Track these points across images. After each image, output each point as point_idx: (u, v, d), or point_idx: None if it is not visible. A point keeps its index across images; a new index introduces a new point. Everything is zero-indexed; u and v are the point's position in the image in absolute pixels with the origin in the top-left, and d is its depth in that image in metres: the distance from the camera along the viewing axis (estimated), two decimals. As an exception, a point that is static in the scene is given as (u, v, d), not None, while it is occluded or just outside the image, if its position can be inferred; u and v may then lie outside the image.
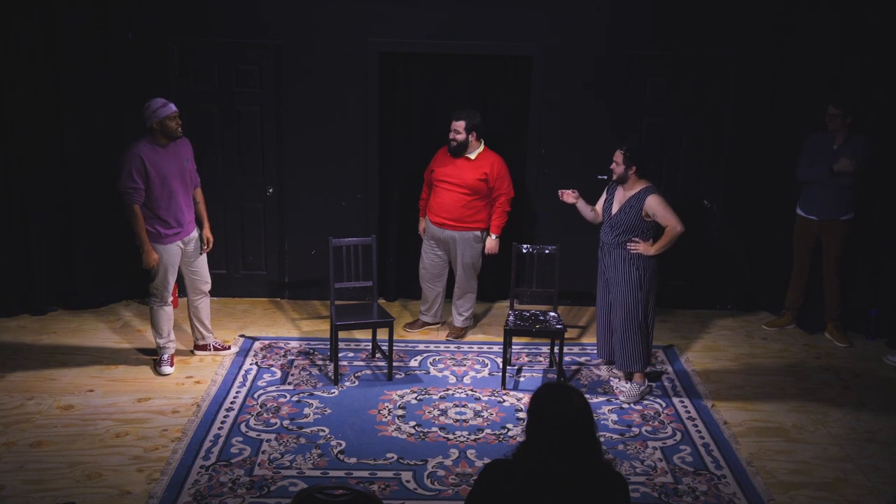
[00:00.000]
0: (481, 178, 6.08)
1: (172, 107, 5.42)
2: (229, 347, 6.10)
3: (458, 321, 6.45)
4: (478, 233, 6.22)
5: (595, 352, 6.23)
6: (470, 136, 6.04)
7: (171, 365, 5.74)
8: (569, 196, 5.69)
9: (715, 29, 6.62)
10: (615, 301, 5.52)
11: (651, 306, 5.53)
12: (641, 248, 5.40)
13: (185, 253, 5.69)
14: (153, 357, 5.90)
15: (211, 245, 5.90)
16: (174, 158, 5.51)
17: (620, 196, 5.49)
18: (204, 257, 5.85)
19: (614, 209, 5.49)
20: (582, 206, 5.73)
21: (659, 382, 5.78)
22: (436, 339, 6.42)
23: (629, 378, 5.61)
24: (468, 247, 6.22)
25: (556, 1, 6.57)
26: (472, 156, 6.11)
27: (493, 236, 6.23)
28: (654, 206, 5.35)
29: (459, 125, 6.02)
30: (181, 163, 5.56)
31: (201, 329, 5.97)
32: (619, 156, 5.41)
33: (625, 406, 5.44)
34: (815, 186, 6.33)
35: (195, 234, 5.77)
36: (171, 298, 5.71)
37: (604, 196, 5.68)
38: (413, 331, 6.51)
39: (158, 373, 5.70)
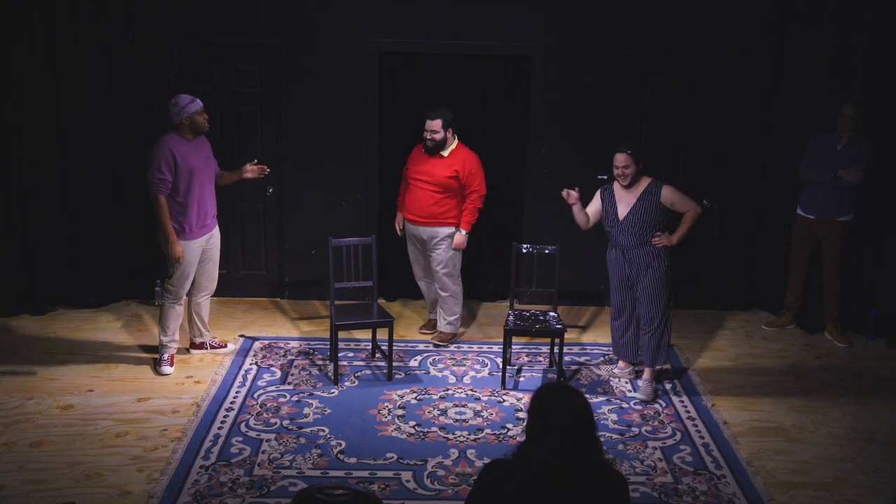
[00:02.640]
0: (451, 175, 5.98)
1: (199, 103, 5.53)
2: (226, 346, 6.11)
3: (441, 325, 6.33)
4: (451, 230, 6.13)
5: (595, 351, 6.24)
6: (447, 132, 5.98)
7: (171, 365, 5.74)
8: (573, 197, 5.58)
9: (715, 29, 6.62)
10: (645, 299, 5.50)
11: (671, 301, 5.60)
12: (665, 240, 5.44)
13: (203, 250, 5.71)
14: (153, 356, 5.90)
15: (264, 167, 5.92)
16: (199, 153, 5.60)
17: (625, 197, 5.47)
18: (217, 257, 5.87)
19: (622, 212, 5.46)
20: (578, 209, 5.64)
21: (660, 384, 5.78)
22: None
23: (651, 376, 5.62)
24: (441, 245, 6.10)
25: (555, 1, 6.57)
26: (445, 153, 6.02)
27: (463, 231, 6.09)
28: (671, 194, 5.43)
29: (436, 124, 5.93)
30: (205, 158, 5.65)
31: (200, 326, 5.97)
32: (625, 158, 5.37)
33: (634, 404, 5.43)
34: (814, 186, 6.34)
35: (216, 231, 5.82)
36: (183, 297, 5.72)
37: (597, 203, 5.61)
38: (430, 332, 6.48)
39: (158, 372, 5.70)
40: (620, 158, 5.40)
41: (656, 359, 5.58)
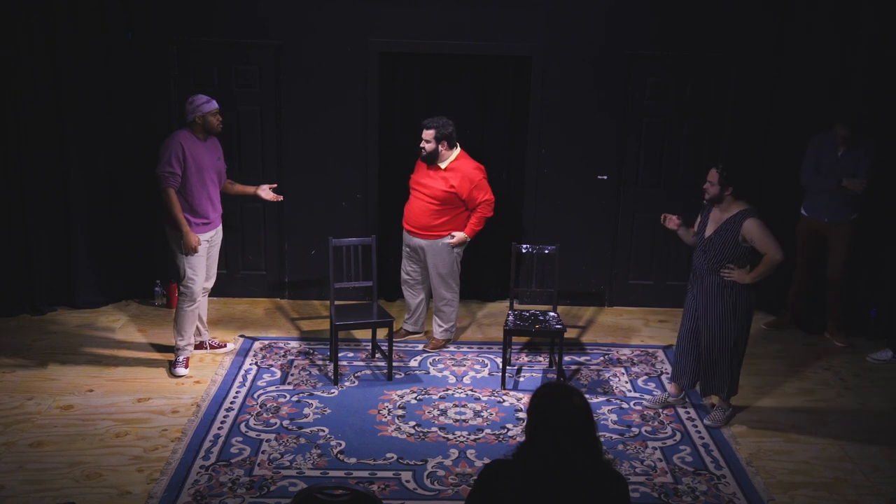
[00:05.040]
0: (448, 189, 5.87)
1: (215, 104, 5.60)
2: (226, 346, 6.11)
3: (436, 332, 6.28)
4: (448, 241, 6.02)
5: (595, 351, 6.25)
6: (440, 145, 5.84)
7: (186, 367, 5.74)
8: (672, 222, 5.23)
9: (715, 29, 6.62)
10: (703, 329, 5.15)
11: (744, 335, 5.16)
12: (736, 275, 4.98)
13: (207, 246, 5.74)
14: (153, 356, 5.90)
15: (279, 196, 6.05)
16: (210, 153, 5.66)
17: (716, 217, 5.09)
18: (217, 255, 5.89)
19: (708, 231, 5.10)
20: (683, 232, 5.32)
21: (658, 383, 5.78)
22: (436, 339, 6.42)
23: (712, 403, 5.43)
24: (439, 256, 6.03)
25: (556, 1, 6.57)
26: (444, 165, 5.90)
27: (464, 234, 5.98)
28: (753, 230, 4.94)
29: (429, 134, 5.82)
30: (214, 159, 5.70)
31: (199, 326, 5.96)
32: (713, 175, 4.99)
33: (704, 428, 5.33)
34: (821, 192, 6.28)
35: (220, 229, 5.84)
36: (199, 297, 5.73)
37: (699, 218, 5.26)
38: (396, 340, 6.30)
39: (172, 374, 5.69)
40: (710, 173, 5.05)
41: (709, 389, 5.28)
